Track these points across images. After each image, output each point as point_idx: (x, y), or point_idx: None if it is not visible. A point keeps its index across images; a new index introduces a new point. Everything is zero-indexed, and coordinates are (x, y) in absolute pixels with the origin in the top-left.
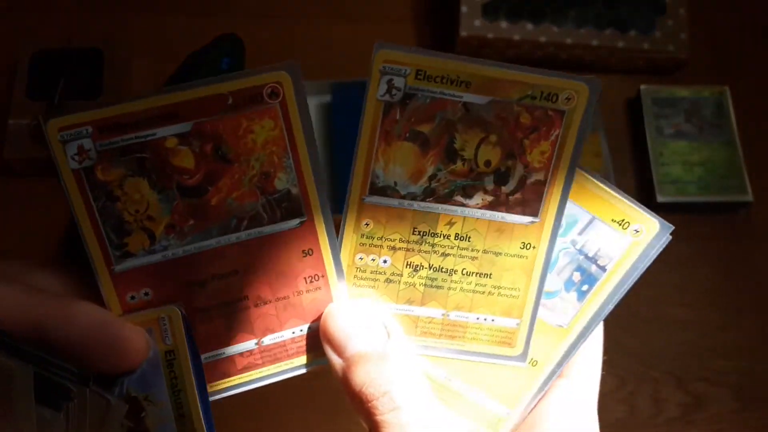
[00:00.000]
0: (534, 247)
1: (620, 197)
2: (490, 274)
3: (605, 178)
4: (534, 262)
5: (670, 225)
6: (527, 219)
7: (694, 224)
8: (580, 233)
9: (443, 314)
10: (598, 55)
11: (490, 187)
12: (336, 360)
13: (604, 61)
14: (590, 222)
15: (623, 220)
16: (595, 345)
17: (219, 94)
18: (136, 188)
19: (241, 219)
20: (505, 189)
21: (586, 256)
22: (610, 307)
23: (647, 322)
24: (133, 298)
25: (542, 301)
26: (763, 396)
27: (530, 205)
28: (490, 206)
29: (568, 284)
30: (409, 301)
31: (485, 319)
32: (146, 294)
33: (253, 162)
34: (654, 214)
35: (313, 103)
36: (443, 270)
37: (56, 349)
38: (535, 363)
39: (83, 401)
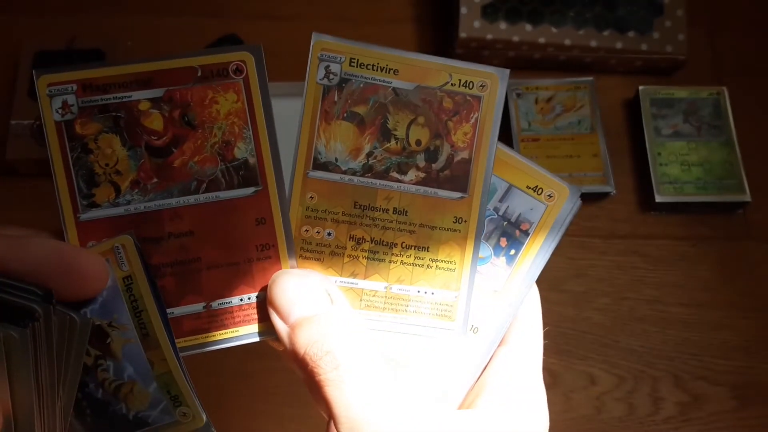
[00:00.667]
0: (465, 221)
1: (532, 166)
2: (428, 248)
3: (604, 179)
4: (467, 235)
5: (579, 188)
6: (457, 194)
7: (692, 224)
8: (501, 200)
9: (386, 287)
10: (596, 56)
11: (422, 164)
12: (281, 326)
13: (602, 62)
14: (508, 190)
15: (537, 187)
16: (533, 312)
17: (190, 66)
18: (108, 143)
19: (201, 182)
20: (435, 166)
21: (509, 222)
22: (539, 269)
23: (645, 321)
24: (93, 246)
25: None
26: (761, 395)
27: (459, 181)
28: (423, 182)
29: (497, 249)
30: (354, 274)
31: (425, 292)
32: None
33: (215, 130)
34: (563, 180)
35: None
36: (384, 243)
37: (16, 279)
38: (476, 330)
39: (48, 320)
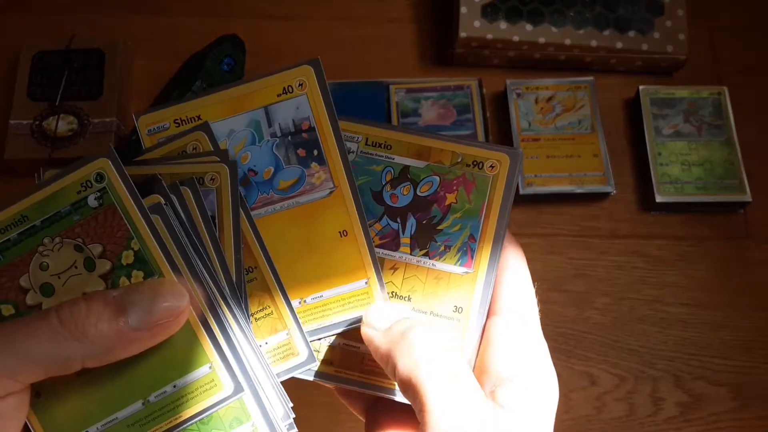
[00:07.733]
0: (255, 268)
1: (461, 144)
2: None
3: (604, 179)
4: (264, 276)
5: (516, 150)
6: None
7: (693, 224)
8: (269, 126)
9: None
10: (596, 56)
11: None
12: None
13: (602, 62)
14: (269, 116)
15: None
16: (518, 277)
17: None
18: None
19: None
20: None
21: (291, 133)
22: (502, 234)
23: (646, 321)
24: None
25: (439, 253)
26: (761, 395)
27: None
28: None
29: (302, 161)
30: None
31: (266, 344)
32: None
33: None
34: (498, 147)
35: None
36: None
37: None
38: (460, 310)
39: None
